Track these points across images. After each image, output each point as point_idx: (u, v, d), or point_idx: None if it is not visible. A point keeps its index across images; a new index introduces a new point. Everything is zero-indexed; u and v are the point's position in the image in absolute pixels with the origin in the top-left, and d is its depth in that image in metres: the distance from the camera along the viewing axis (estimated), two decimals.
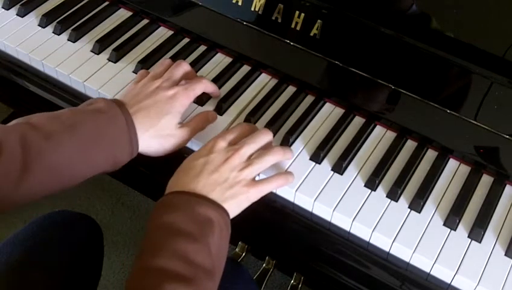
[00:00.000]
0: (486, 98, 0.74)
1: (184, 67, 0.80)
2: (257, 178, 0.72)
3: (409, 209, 0.73)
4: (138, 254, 0.63)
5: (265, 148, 0.73)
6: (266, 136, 0.74)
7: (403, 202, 0.73)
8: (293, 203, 0.75)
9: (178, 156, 0.80)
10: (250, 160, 0.71)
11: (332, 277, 0.76)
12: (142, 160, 0.76)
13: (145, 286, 0.59)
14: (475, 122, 0.75)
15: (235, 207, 0.69)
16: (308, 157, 0.77)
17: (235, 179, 0.69)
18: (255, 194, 0.70)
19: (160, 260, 0.60)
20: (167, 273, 0.59)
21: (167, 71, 0.79)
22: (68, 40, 0.91)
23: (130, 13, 0.96)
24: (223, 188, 0.68)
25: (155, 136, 0.73)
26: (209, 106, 0.83)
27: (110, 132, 0.70)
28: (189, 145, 0.79)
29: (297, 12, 0.83)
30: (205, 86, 0.80)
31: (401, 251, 0.70)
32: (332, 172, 0.76)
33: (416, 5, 0.77)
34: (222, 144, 0.71)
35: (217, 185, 0.68)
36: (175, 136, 0.75)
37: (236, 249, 1.03)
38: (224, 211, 0.67)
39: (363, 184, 0.75)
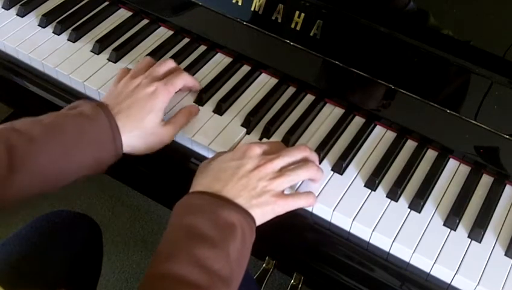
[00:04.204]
0: (486, 98, 0.74)
1: (168, 64, 0.80)
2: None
3: (409, 209, 0.73)
4: (154, 255, 0.61)
5: (300, 163, 0.71)
6: (302, 152, 0.72)
7: (403, 202, 0.73)
8: None
9: (178, 155, 0.80)
10: (282, 172, 0.69)
11: (332, 277, 0.76)
12: (142, 160, 0.76)
13: None
14: (475, 122, 0.75)
15: (259, 216, 0.67)
16: None
17: (264, 188, 0.67)
18: (282, 206, 0.68)
19: (175, 266, 0.59)
20: (181, 280, 0.58)
21: (150, 69, 0.78)
22: (68, 40, 0.91)
23: (130, 13, 0.96)
24: (251, 195, 0.66)
25: (139, 136, 0.73)
26: (209, 106, 0.83)
27: (93, 133, 0.70)
28: (192, 147, 0.80)
29: (297, 12, 0.83)
30: (185, 80, 0.79)
31: (401, 251, 0.70)
32: (332, 172, 0.76)
33: (417, 6, 0.77)
34: (257, 150, 0.69)
35: (245, 191, 0.66)
36: (159, 134, 0.75)
37: None
38: (250, 217, 0.65)
39: (363, 184, 0.75)
